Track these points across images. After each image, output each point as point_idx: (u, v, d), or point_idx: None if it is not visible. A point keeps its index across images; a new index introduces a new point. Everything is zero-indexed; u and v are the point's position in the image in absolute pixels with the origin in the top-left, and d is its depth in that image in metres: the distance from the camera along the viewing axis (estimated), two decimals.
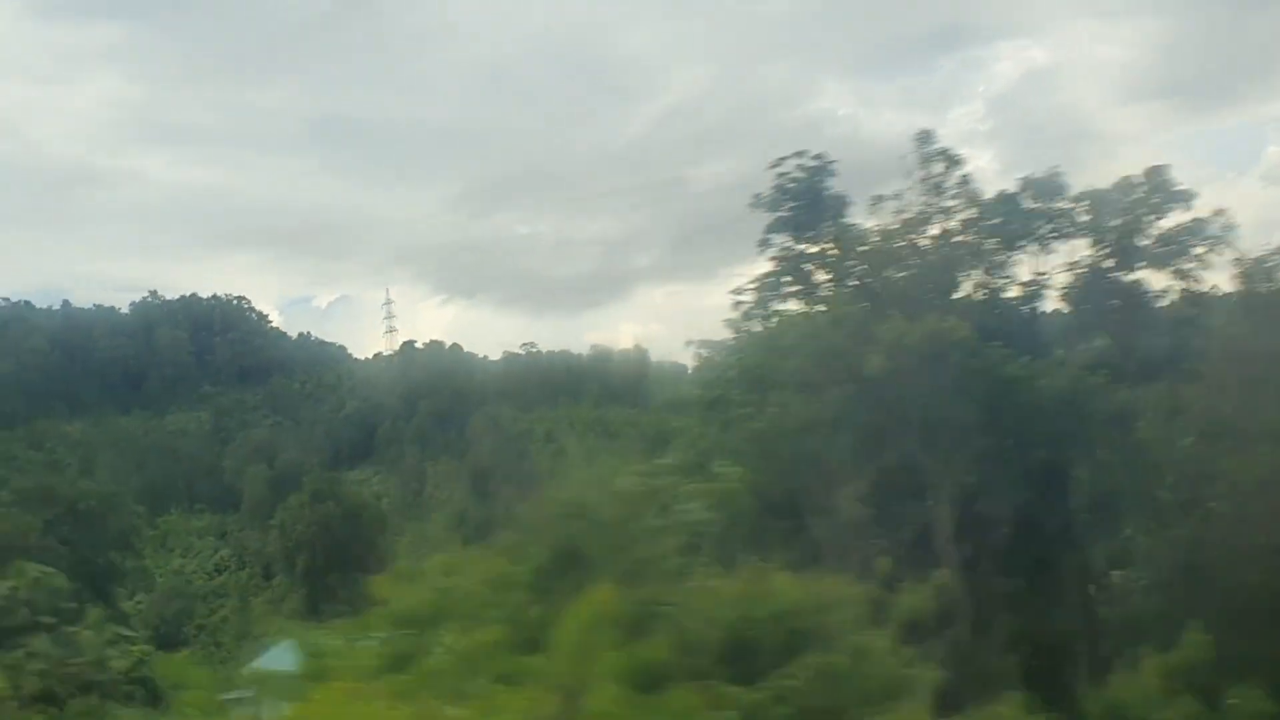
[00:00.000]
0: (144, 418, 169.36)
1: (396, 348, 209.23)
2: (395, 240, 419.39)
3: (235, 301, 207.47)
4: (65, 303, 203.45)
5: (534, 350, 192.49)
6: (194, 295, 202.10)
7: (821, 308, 44.69)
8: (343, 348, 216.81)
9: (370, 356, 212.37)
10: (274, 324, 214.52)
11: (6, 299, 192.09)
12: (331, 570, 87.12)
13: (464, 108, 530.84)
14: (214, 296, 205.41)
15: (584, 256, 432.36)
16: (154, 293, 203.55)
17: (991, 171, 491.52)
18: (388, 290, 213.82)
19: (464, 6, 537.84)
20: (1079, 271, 47.62)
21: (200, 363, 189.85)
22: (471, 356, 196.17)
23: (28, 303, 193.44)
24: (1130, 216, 47.00)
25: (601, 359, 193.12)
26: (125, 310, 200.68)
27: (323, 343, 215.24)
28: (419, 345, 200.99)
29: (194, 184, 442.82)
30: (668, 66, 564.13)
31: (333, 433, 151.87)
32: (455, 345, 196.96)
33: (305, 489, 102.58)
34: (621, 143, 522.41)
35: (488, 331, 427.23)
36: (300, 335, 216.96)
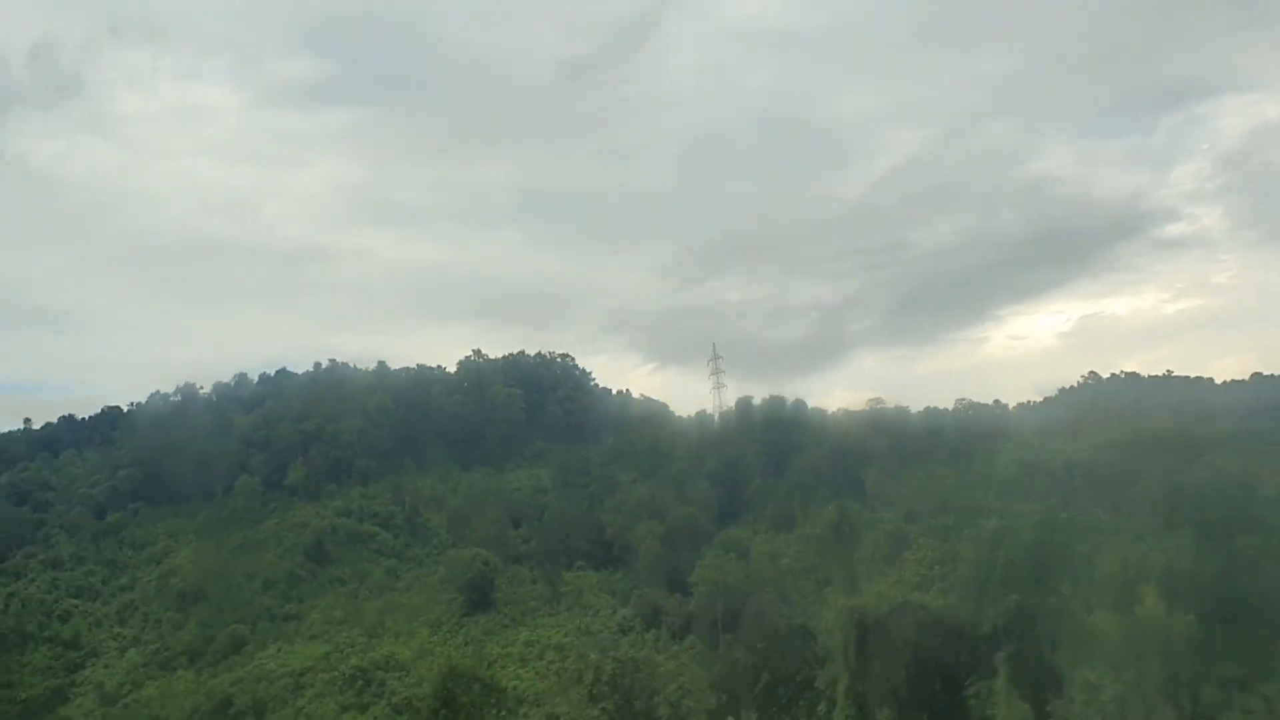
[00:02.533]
0: (485, 473, 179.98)
1: (723, 404, 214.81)
2: (606, 308, 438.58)
3: (560, 359, 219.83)
4: (380, 363, 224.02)
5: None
6: (521, 353, 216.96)
7: None
8: (664, 405, 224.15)
9: (693, 414, 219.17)
10: (597, 382, 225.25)
11: (243, 373, 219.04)
12: None
13: (676, 176, 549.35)
14: (539, 354, 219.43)
15: (799, 322, 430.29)
16: (478, 351, 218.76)
17: (1220, 230, 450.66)
18: (714, 346, 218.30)
19: (676, 76, 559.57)
20: None
21: (530, 419, 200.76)
22: (817, 412, 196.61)
23: (347, 364, 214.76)
24: None
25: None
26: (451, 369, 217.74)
27: (647, 399, 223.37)
28: (756, 401, 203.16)
29: (412, 258, 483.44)
30: (885, 128, 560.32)
31: (698, 490, 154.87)
32: (799, 401, 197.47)
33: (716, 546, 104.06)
34: (839, 206, 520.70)
35: (694, 396, 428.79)
36: (620, 393, 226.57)
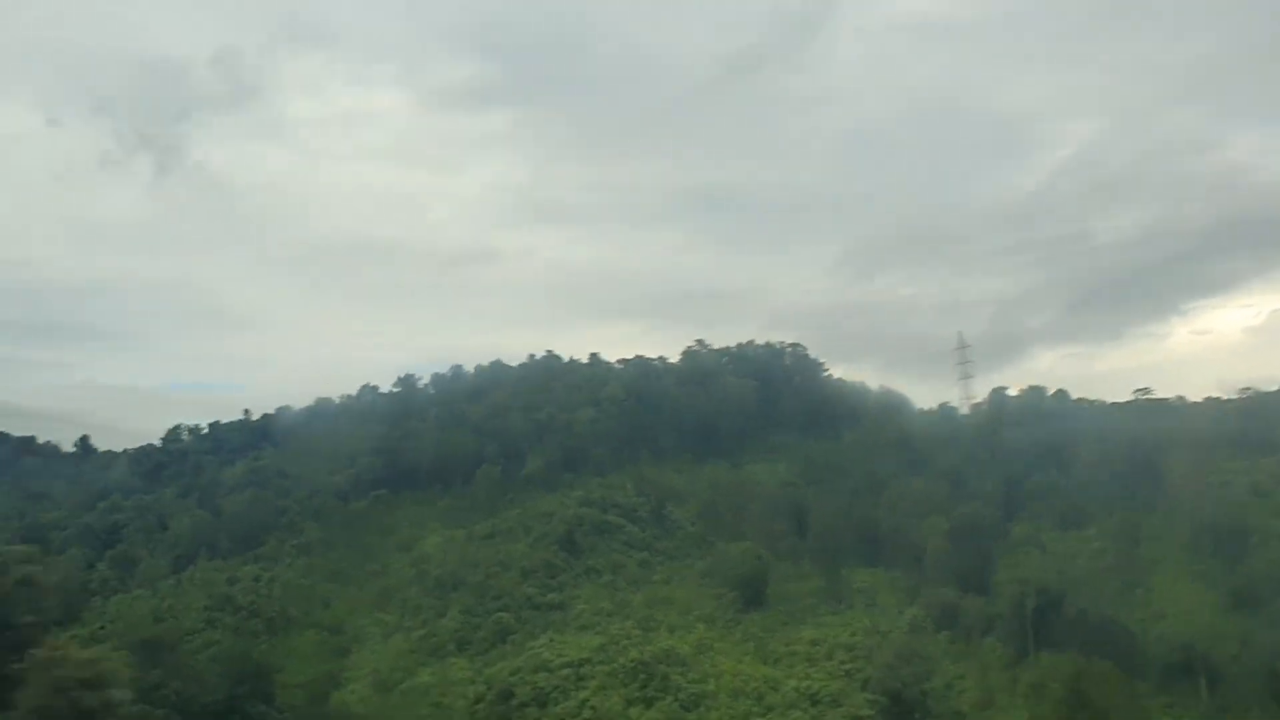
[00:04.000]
0: (721, 466, 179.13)
1: (970, 396, 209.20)
2: (771, 306, 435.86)
3: (791, 348, 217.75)
4: (594, 355, 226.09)
5: None
6: (750, 342, 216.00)
7: None
8: (904, 396, 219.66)
9: (935, 406, 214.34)
10: (828, 372, 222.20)
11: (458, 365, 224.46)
12: None
13: (840, 170, 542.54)
14: (768, 344, 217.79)
15: (972, 318, 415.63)
16: (700, 341, 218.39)
17: None
18: (959, 334, 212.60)
19: (840, 69, 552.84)
20: None
21: (763, 410, 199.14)
22: (1083, 403, 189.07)
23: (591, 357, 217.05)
24: None
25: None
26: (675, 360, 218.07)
27: (887, 390, 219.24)
28: (1011, 392, 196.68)
29: (574, 258, 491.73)
30: (1059, 118, 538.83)
31: (980, 485, 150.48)
32: (1060, 392, 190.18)
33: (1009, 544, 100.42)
34: (1013, 198, 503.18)
35: None
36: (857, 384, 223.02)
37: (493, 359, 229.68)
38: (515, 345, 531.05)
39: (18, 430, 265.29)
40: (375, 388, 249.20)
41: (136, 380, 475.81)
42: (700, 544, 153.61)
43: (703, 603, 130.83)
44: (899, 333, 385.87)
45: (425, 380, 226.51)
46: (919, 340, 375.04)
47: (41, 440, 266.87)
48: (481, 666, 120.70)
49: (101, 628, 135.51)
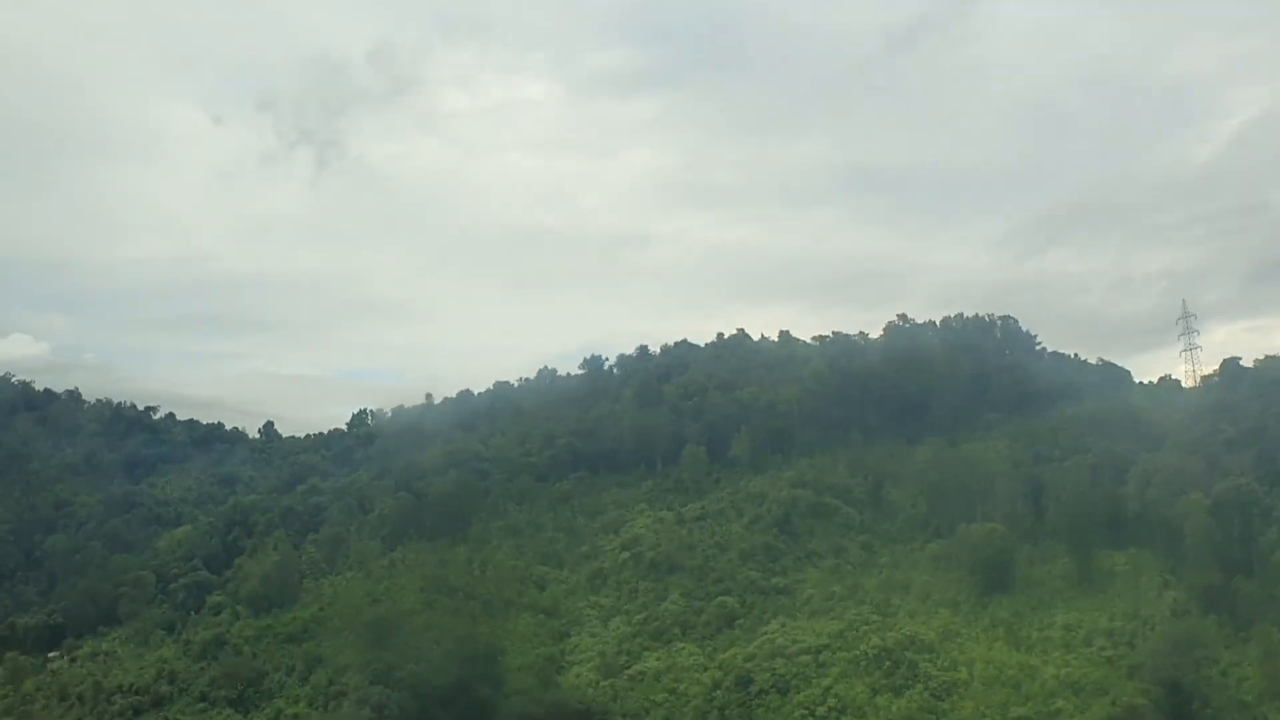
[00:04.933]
0: (935, 445, 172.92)
1: (1196, 369, 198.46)
2: (935, 284, 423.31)
3: (1001, 321, 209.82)
4: (784, 332, 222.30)
5: None
6: (958, 315, 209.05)
7: None
8: (1126, 370, 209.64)
9: (1155, 380, 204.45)
10: (1042, 345, 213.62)
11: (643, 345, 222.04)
12: None
13: (1005, 144, 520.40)
14: (976, 316, 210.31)
15: (1145, 294, 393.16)
16: (903, 316, 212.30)
17: None
18: (1184, 303, 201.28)
19: (1003, 40, 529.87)
20: None
21: (975, 386, 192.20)
22: None
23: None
24: None
25: None
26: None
27: (1107, 364, 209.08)
28: (1244, 364, 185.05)
29: (728, 240, 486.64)
30: (1234, 85, 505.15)
31: (1237, 461, 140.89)
32: None
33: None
34: (1187, 169, 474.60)
35: None
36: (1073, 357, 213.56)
37: (678, 339, 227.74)
38: (670, 329, 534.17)
39: (203, 418, 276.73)
40: (553, 370, 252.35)
41: (300, 369, 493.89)
42: (924, 526, 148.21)
43: (942, 587, 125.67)
44: (1067, 309, 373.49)
45: (611, 361, 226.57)
46: (1090, 317, 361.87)
47: (228, 427, 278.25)
48: (712, 652, 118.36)
49: (320, 610, 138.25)
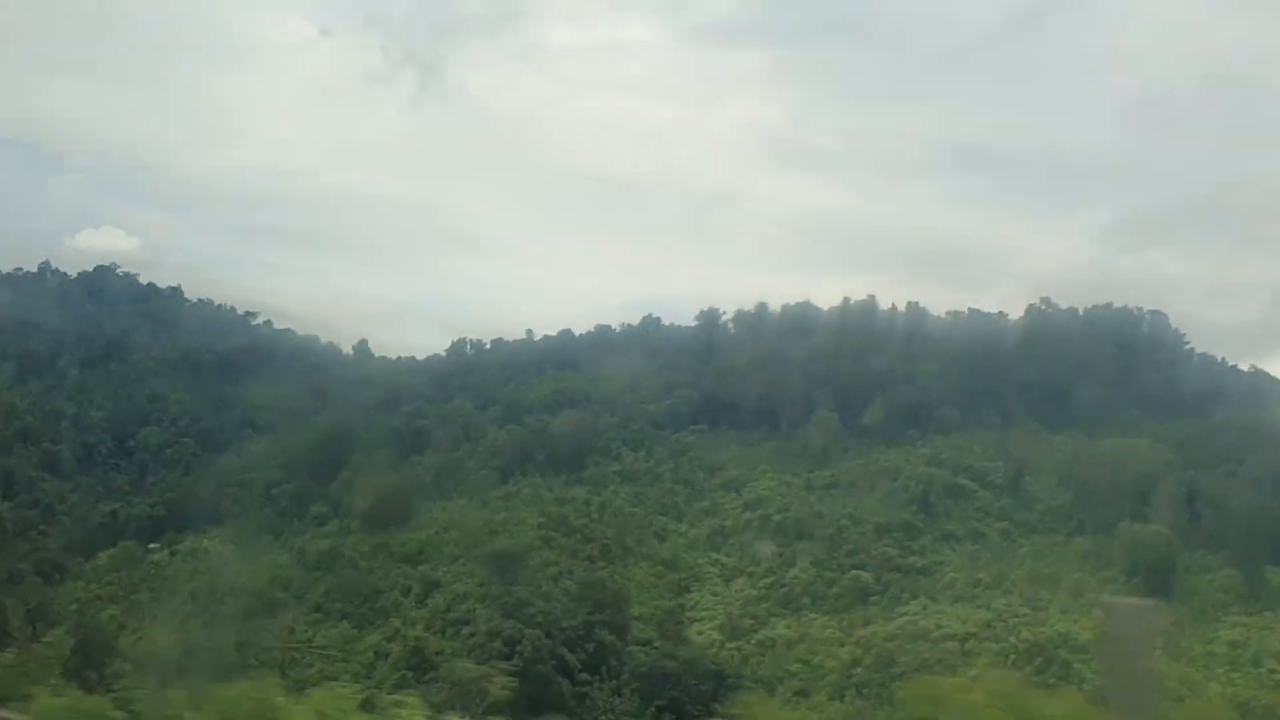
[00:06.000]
0: (1074, 436, 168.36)
1: None
2: (1026, 272, 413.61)
3: (1150, 315, 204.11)
4: (913, 303, 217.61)
5: None
6: (1108, 305, 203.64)
7: None
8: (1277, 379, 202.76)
9: None
10: (1190, 345, 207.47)
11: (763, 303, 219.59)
12: None
13: (1117, 136, 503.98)
14: (1124, 308, 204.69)
15: (1244, 303, 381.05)
16: (1046, 300, 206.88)
17: None
18: None
19: (1132, 30, 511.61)
20: None
21: (1120, 380, 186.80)
22: None
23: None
24: None
25: None
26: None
27: (1258, 372, 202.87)
28: None
29: (821, 205, 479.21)
30: None
31: None
32: None
33: None
34: None
35: None
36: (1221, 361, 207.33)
37: (799, 300, 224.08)
38: (754, 290, 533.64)
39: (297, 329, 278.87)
40: (657, 319, 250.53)
41: (379, 291, 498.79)
42: (1066, 519, 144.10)
43: (1095, 586, 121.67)
44: (1166, 310, 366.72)
45: (729, 316, 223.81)
46: (1183, 320, 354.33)
47: (323, 341, 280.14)
48: (847, 626, 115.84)
49: (436, 533, 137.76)
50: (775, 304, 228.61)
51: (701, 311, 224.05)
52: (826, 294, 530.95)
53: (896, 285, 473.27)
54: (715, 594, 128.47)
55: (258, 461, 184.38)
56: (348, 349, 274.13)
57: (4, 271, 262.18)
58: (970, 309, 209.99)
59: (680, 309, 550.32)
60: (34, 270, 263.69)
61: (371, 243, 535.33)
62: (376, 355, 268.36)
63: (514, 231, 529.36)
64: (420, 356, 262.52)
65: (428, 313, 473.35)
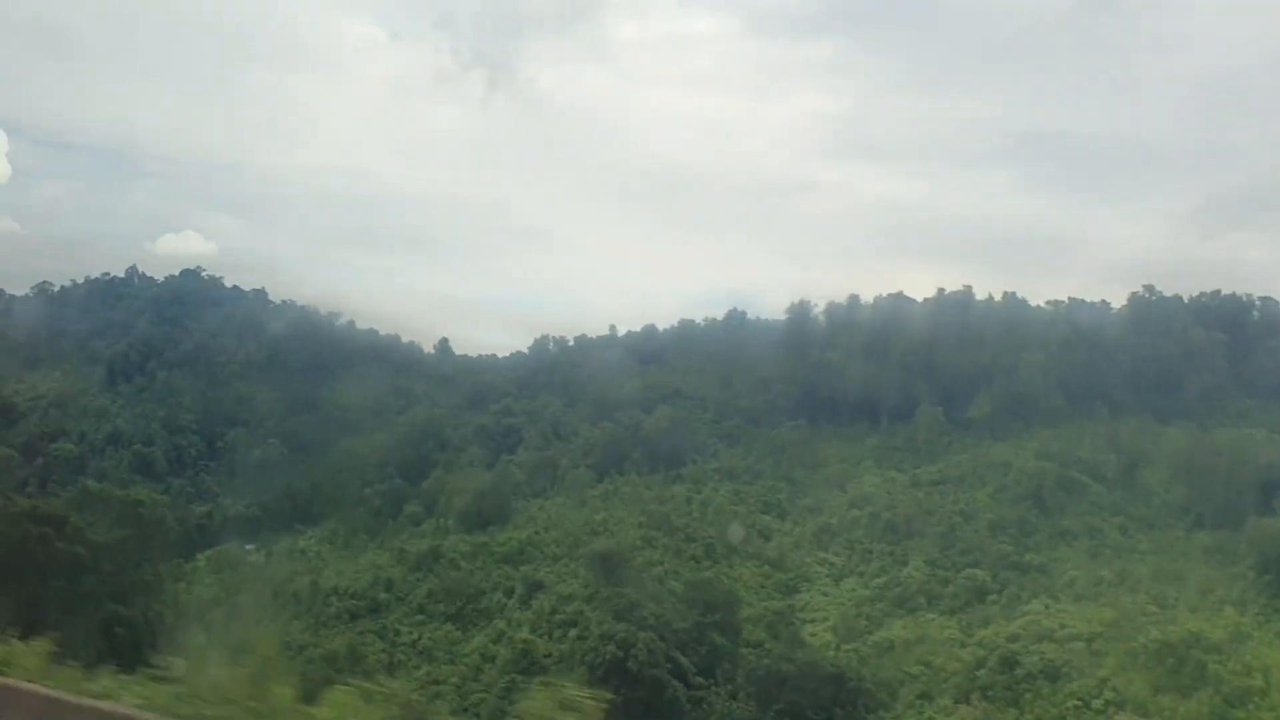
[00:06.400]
0: (1186, 428, 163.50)
1: None
2: (1104, 259, 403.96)
3: (1261, 301, 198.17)
4: (1009, 293, 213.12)
5: None
6: (1216, 292, 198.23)
7: None
8: None
9: None
10: None
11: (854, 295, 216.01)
12: None
13: (1200, 120, 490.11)
14: (1234, 295, 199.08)
15: None
16: (1149, 288, 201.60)
17: None
18: None
19: (1209, 10, 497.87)
20: None
21: (1232, 369, 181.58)
22: None
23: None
24: None
25: None
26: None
27: None
28: None
29: (890, 195, 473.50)
30: None
31: None
32: None
33: None
34: None
35: None
36: None
37: (892, 292, 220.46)
38: (822, 283, 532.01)
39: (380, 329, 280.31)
40: (743, 313, 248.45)
41: (452, 289, 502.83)
42: (1183, 514, 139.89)
43: (1224, 583, 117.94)
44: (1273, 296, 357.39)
45: (820, 308, 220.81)
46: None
47: (405, 340, 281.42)
48: (966, 626, 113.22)
49: (535, 533, 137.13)
50: (863, 296, 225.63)
51: (792, 304, 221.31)
52: (899, 283, 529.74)
53: (971, 275, 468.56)
54: (825, 594, 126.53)
55: (347, 461, 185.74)
56: (428, 348, 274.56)
57: (92, 277, 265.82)
58: (1070, 298, 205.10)
59: (754, 301, 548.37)
60: (121, 275, 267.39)
61: (444, 241, 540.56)
62: (457, 354, 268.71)
63: (586, 227, 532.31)
64: (500, 354, 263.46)
65: (503, 310, 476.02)
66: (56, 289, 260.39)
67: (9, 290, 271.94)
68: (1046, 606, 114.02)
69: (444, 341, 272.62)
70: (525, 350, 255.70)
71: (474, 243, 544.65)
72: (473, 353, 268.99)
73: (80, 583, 45.15)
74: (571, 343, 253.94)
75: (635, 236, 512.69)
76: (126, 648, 44.87)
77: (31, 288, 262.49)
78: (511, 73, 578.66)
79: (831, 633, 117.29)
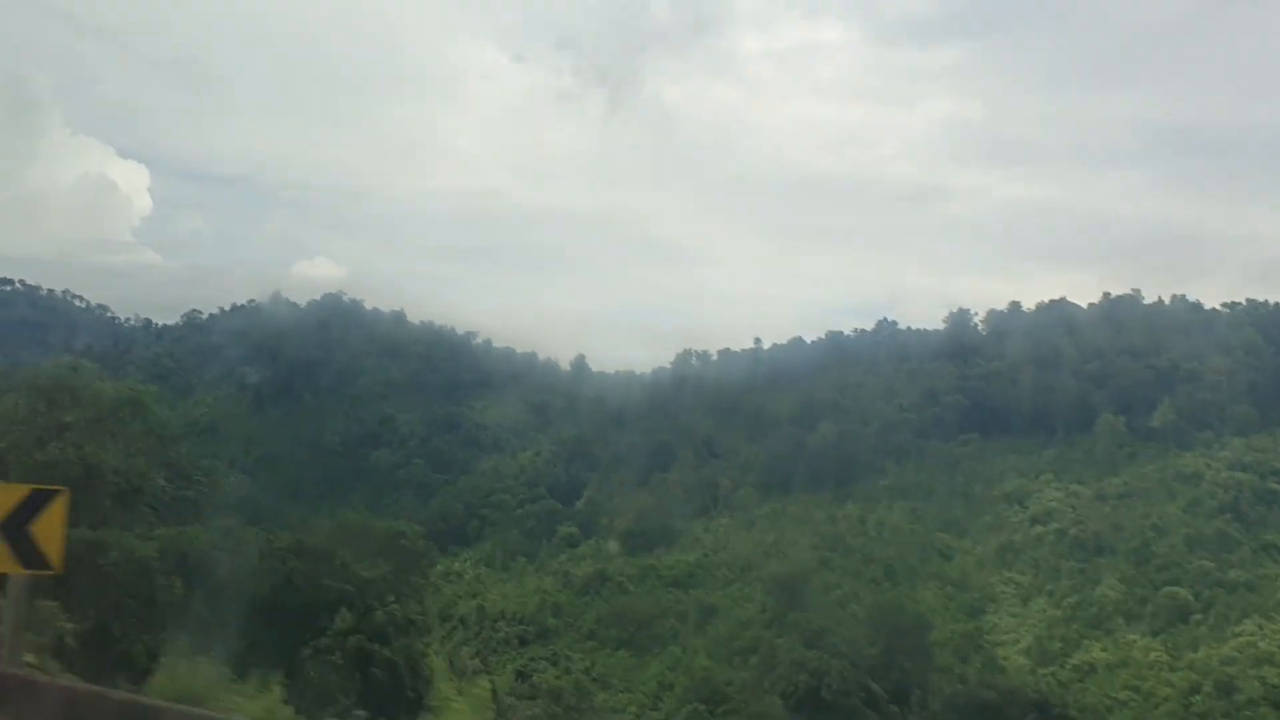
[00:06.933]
0: None
1: None
2: (1253, 259, 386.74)
3: None
4: (1178, 296, 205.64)
5: None
6: None
7: None
8: None
9: None
10: None
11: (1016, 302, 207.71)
12: None
13: None
14: None
15: None
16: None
17: None
18: None
19: None
20: None
21: None
22: None
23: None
24: None
25: None
26: None
27: None
28: None
29: (1024, 198, 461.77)
30: None
31: None
32: None
33: None
34: None
35: None
36: None
37: (1055, 298, 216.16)
38: (953, 290, 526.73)
39: (520, 347, 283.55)
40: (894, 323, 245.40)
41: (579, 305, 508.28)
42: None
43: None
44: None
45: (980, 317, 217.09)
46: None
47: (541, 358, 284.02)
48: (1172, 648, 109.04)
49: (704, 555, 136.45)
50: (1023, 302, 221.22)
51: (950, 313, 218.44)
52: (1039, 289, 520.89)
53: (1111, 278, 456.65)
54: (1014, 615, 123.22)
55: (494, 481, 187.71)
56: (564, 365, 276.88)
57: (238, 304, 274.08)
58: (1249, 299, 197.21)
59: (889, 310, 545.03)
60: (265, 301, 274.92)
61: (571, 258, 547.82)
62: (594, 370, 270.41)
63: (715, 240, 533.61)
64: (637, 370, 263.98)
65: (633, 324, 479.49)
66: (205, 316, 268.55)
67: (156, 320, 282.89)
68: (1260, 627, 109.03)
69: (580, 358, 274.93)
70: (667, 365, 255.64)
71: (601, 259, 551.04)
72: (608, 369, 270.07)
73: (334, 620, 45.46)
74: (715, 356, 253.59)
75: (765, 248, 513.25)
76: (383, 690, 45.12)
77: (181, 316, 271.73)
78: (635, 89, 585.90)
79: (1025, 656, 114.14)
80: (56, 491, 11.06)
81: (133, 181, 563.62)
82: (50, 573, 10.96)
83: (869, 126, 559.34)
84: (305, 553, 49.04)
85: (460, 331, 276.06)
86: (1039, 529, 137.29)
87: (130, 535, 35.74)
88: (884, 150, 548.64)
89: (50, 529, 10.78)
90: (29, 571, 10.80)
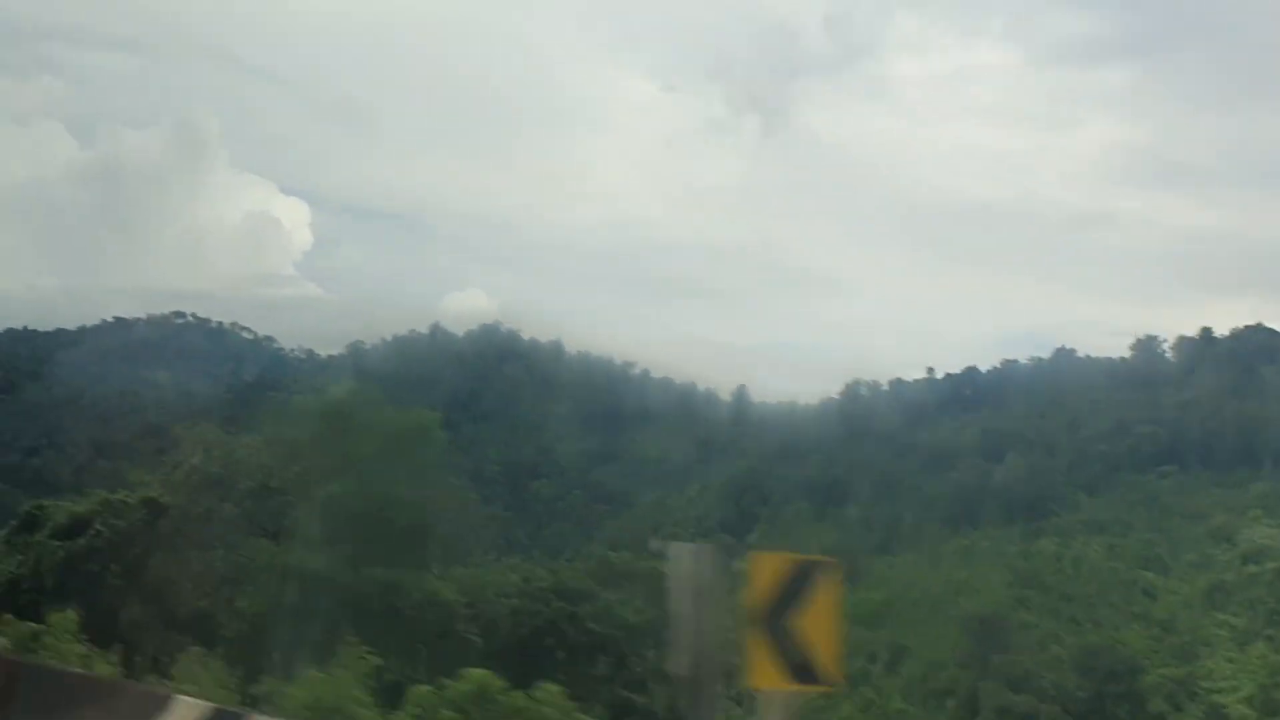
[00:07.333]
0: None
1: None
2: None
3: None
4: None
5: None
6: None
7: None
8: None
9: None
10: None
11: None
12: None
13: None
14: None
15: None
16: None
17: None
18: None
19: None
20: None
21: None
22: None
23: None
24: None
25: None
26: None
27: None
28: None
29: (1192, 225, 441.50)
30: None
31: None
32: None
33: None
34: None
35: None
36: None
37: (1250, 324, 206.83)
38: (1121, 320, 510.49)
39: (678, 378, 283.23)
40: (1071, 350, 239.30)
41: (728, 336, 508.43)
42: None
43: None
44: None
45: (1169, 343, 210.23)
46: None
47: (700, 389, 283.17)
48: None
49: (892, 593, 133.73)
50: (1220, 330, 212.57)
51: (1137, 340, 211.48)
52: (1217, 316, 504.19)
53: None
54: (1230, 660, 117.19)
55: (658, 513, 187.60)
56: (724, 396, 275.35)
57: (399, 335, 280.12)
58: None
59: (1055, 338, 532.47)
60: (424, 332, 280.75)
61: (723, 289, 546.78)
62: (756, 401, 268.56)
63: (871, 269, 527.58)
64: (797, 401, 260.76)
65: (789, 355, 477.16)
66: (367, 346, 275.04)
67: (318, 351, 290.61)
68: None
69: (742, 388, 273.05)
70: (834, 395, 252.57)
71: (754, 288, 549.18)
72: (769, 400, 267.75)
73: (594, 666, 44.95)
74: (886, 387, 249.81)
75: (923, 276, 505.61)
76: None
77: (345, 347, 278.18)
78: (787, 117, 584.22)
79: (1247, 705, 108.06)
80: (823, 564, 7.81)
81: (294, 217, 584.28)
82: (823, 689, 7.77)
83: (1029, 151, 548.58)
84: (566, 594, 48.68)
85: (618, 361, 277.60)
86: (1253, 568, 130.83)
87: (430, 575, 35.65)
88: (1045, 175, 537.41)
89: (820, 623, 7.55)
90: (798, 687, 7.57)
